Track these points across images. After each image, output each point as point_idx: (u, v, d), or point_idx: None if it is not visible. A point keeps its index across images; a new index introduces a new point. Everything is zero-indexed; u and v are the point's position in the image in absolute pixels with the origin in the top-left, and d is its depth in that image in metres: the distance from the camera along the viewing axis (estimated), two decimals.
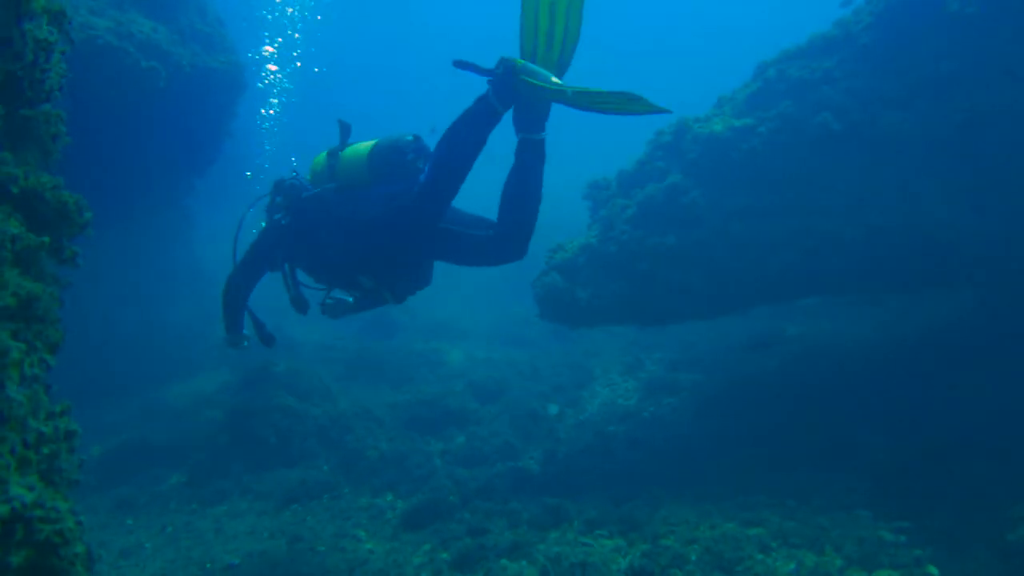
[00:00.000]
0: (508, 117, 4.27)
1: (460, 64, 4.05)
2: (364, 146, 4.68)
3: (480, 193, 5.85)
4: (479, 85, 4.28)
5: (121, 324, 11.43)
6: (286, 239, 4.87)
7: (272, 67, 14.33)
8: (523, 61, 4.10)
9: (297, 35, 16.03)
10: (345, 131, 4.89)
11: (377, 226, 4.48)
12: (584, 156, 21.10)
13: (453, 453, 8.08)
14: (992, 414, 6.14)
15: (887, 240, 6.29)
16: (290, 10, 16.80)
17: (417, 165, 4.59)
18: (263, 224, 5.06)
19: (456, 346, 11.95)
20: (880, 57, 6.26)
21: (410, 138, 4.61)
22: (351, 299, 5.05)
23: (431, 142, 4.54)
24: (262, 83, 14.14)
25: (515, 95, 4.09)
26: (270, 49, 14.98)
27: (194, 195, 13.92)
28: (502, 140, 4.53)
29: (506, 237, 4.47)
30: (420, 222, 4.48)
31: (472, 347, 11.99)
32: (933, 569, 4.68)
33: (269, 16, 16.71)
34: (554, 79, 4.02)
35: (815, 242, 6.34)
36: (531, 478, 7.10)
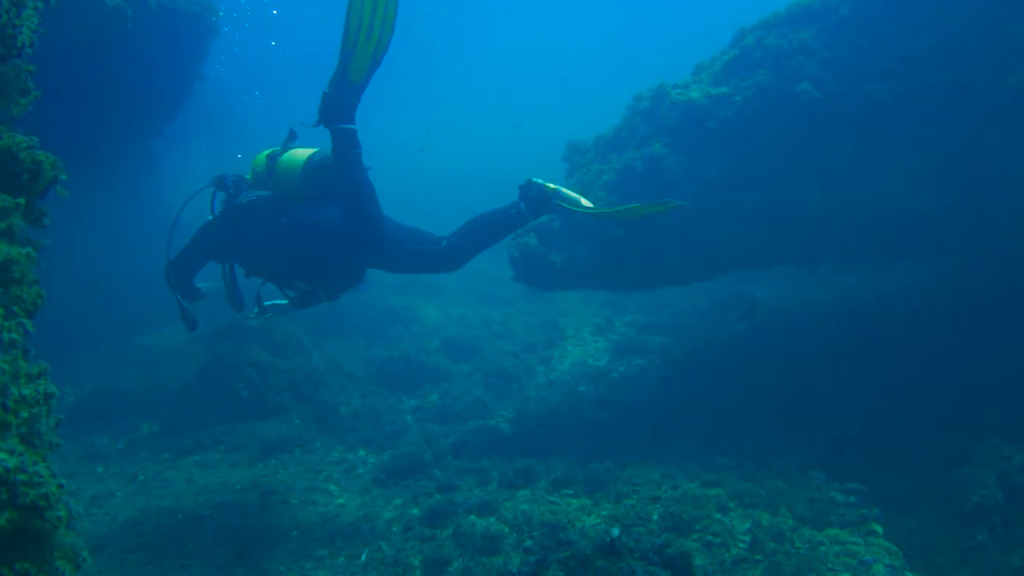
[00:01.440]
0: None
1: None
2: (301, 156, 4.92)
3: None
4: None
5: (91, 270, 11.29)
6: (222, 238, 5.09)
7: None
8: (553, 186, 5.00)
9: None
10: (291, 137, 5.08)
11: (323, 242, 4.85)
12: (568, 116, 20.93)
13: (426, 410, 8.22)
14: (941, 382, 6.40)
15: (858, 212, 6.42)
16: None
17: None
18: (209, 217, 5.21)
19: (430, 302, 12.01)
20: (857, 29, 6.29)
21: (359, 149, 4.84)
22: (286, 301, 5.26)
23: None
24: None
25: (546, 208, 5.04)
26: None
27: (162, 141, 13.65)
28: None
29: (454, 258, 5.11)
30: (372, 248, 4.98)
31: (446, 304, 12.06)
32: (877, 527, 4.93)
33: None
34: (584, 201, 4.96)
35: (788, 212, 6.45)
36: (502, 437, 7.26)
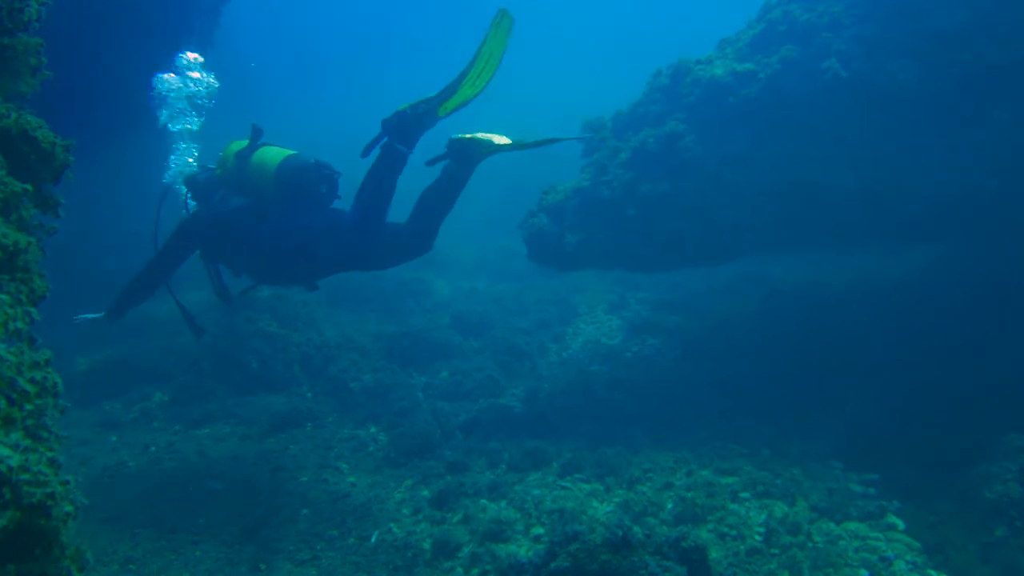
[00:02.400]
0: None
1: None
2: (273, 159, 4.97)
3: None
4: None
5: (105, 236, 11.23)
6: (206, 244, 5.30)
7: None
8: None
9: None
10: (256, 134, 5.14)
11: (301, 251, 4.99)
12: (583, 92, 20.34)
13: (436, 387, 8.17)
14: (961, 370, 6.28)
15: (881, 192, 6.26)
16: None
17: (322, 192, 5.03)
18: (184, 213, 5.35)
19: (442, 276, 11.93)
20: (891, 5, 6.07)
21: (312, 162, 4.97)
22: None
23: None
24: None
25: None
26: None
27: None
28: None
29: (423, 238, 5.09)
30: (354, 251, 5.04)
31: (458, 278, 11.98)
32: (897, 521, 4.86)
33: None
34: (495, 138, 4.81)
35: (812, 193, 6.30)
36: (513, 416, 7.21)
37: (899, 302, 7.80)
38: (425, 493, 5.56)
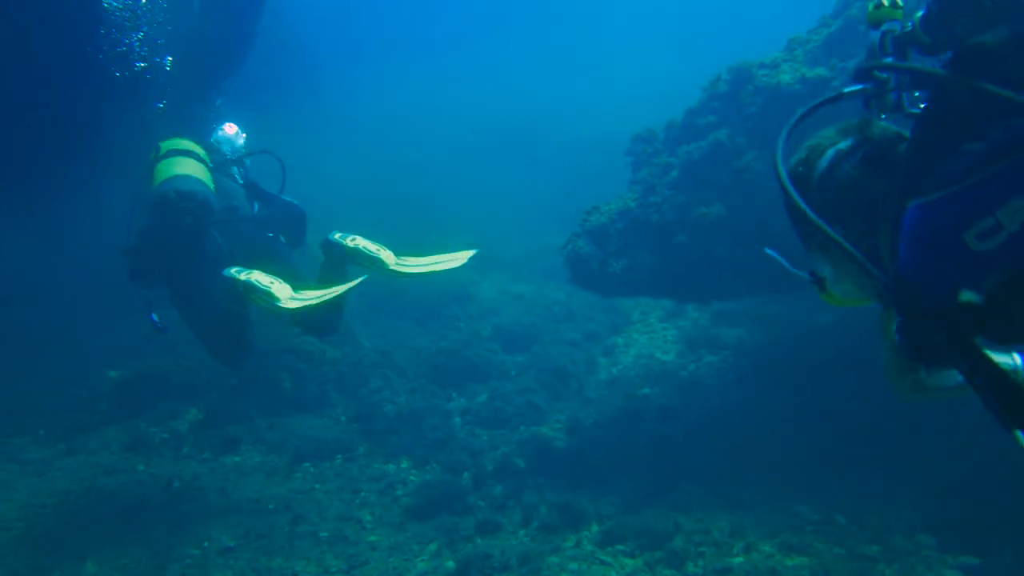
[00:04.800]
0: None
1: None
2: (161, 175, 4.92)
3: None
4: None
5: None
6: None
7: None
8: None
9: None
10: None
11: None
12: (634, 100, 18.74)
13: (474, 412, 7.68)
14: None
15: None
16: None
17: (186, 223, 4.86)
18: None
19: (487, 277, 11.37)
20: None
21: (173, 195, 4.78)
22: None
23: None
24: None
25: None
26: None
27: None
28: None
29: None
30: None
31: (504, 279, 11.40)
32: None
33: None
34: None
35: None
36: (552, 453, 6.65)
37: None
38: (450, 564, 5.05)
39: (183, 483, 6.73)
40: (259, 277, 4.47)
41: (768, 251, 2.08)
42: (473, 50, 31.34)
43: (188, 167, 4.97)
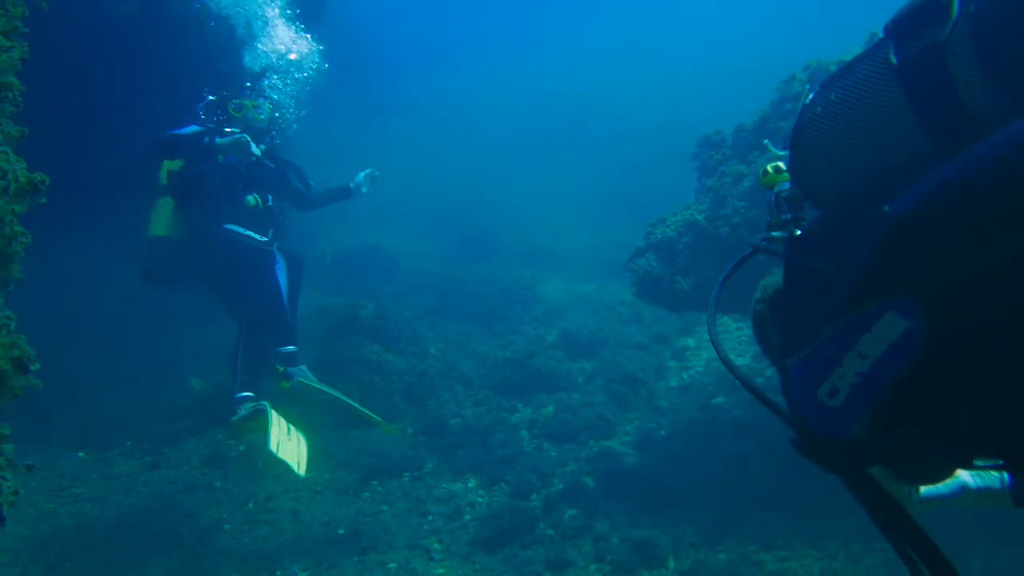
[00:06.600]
0: None
1: None
2: None
3: None
4: None
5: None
6: None
7: None
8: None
9: None
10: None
11: None
12: (697, 82, 17.61)
13: (541, 425, 7.54)
14: None
15: None
16: None
17: None
18: None
19: (553, 275, 11.18)
20: None
21: None
22: None
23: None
24: None
25: None
26: None
27: None
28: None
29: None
30: None
31: (569, 278, 11.18)
32: None
33: None
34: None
35: None
36: (624, 472, 6.46)
37: None
38: None
39: (256, 504, 6.85)
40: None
41: None
42: (537, 42, 30.61)
43: None
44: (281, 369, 6.12)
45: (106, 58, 8.20)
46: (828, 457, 1.41)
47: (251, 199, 6.04)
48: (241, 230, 6.02)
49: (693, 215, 5.74)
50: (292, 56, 6.84)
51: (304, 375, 6.23)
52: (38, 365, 2.59)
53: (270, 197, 6.34)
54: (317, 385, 6.24)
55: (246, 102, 5.92)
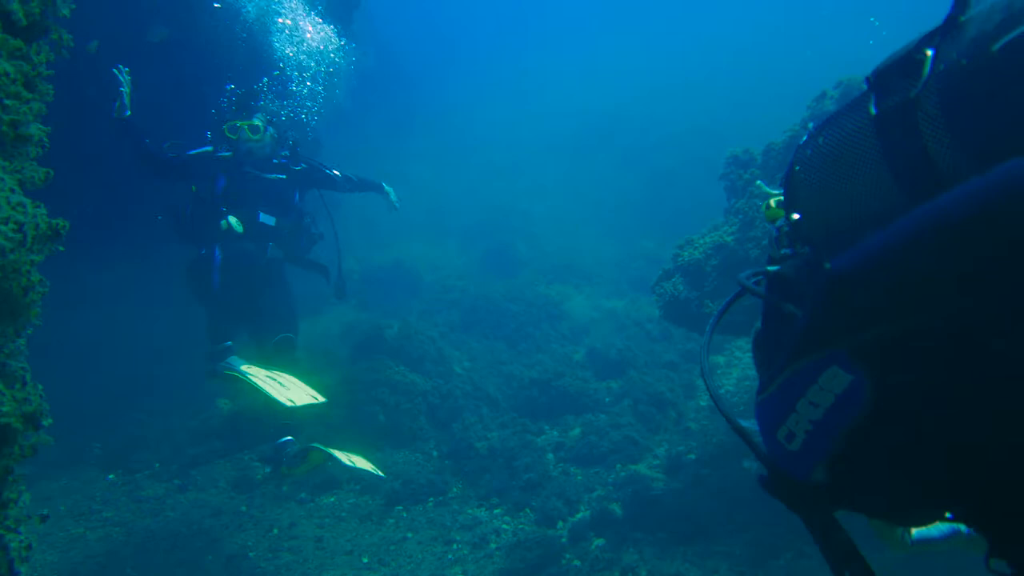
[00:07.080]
0: None
1: None
2: None
3: None
4: None
5: None
6: None
7: None
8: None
9: None
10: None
11: None
12: (737, 119, 17.10)
13: (567, 448, 7.41)
14: None
15: None
16: None
17: None
18: None
19: (580, 291, 11.04)
20: None
21: None
22: None
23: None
24: None
25: None
26: None
27: None
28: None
29: None
30: None
31: (597, 293, 11.03)
32: None
33: None
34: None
35: None
36: (652, 500, 6.30)
37: None
38: None
39: (280, 531, 6.81)
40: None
41: None
42: (566, 48, 30.44)
43: None
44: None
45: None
46: (793, 498, 1.41)
47: (224, 224, 5.70)
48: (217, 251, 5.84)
49: (722, 237, 5.58)
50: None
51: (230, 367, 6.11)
52: (50, 420, 2.53)
53: (262, 214, 6.04)
54: (237, 373, 6.08)
55: (239, 123, 5.82)
